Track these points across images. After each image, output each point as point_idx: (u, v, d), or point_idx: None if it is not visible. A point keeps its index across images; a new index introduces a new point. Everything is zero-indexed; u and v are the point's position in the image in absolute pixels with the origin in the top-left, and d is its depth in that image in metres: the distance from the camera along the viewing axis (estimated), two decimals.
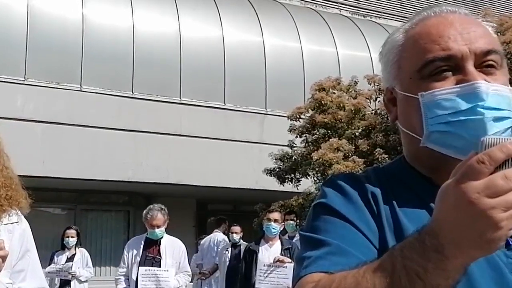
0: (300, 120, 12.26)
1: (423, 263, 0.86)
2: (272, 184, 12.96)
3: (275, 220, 7.33)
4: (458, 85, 1.10)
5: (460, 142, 1.09)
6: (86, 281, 9.90)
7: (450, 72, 1.13)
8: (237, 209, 18.82)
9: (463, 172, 0.84)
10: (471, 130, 1.08)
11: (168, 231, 7.13)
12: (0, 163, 2.27)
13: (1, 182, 2.23)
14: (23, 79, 14.20)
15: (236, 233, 9.68)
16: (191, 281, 8.30)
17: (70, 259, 9.71)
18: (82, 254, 9.93)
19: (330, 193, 1.16)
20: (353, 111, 11.54)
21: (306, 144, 12.14)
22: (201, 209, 18.42)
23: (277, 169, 12.48)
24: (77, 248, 9.92)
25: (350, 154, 10.54)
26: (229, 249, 9.58)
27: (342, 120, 11.54)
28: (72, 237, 9.76)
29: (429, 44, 1.15)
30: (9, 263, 2.14)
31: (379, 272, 0.89)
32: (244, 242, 9.70)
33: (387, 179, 1.19)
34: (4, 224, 2.22)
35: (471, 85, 1.09)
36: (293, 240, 8.06)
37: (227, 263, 9.34)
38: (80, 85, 14.73)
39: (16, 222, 2.28)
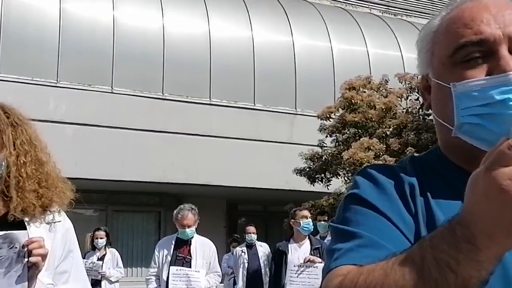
0: (330, 119, 12.19)
1: (454, 254, 0.82)
2: (302, 184, 12.91)
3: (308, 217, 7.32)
4: (490, 76, 1.07)
5: (490, 136, 1.05)
6: (117, 281, 9.95)
7: (483, 58, 1.09)
8: (267, 209, 18.82)
9: (494, 159, 0.80)
10: (501, 125, 1.04)
11: (199, 231, 7.13)
12: (32, 161, 2.23)
13: (35, 180, 2.20)
14: (56, 81, 14.40)
15: (251, 233, 9.61)
16: (221, 282, 8.28)
17: (101, 259, 9.78)
18: (112, 255, 9.99)
19: (363, 184, 1.13)
20: (384, 110, 11.45)
21: (337, 144, 12.07)
22: (231, 210, 18.46)
23: (307, 169, 12.42)
24: (107, 248, 9.99)
25: (381, 153, 10.44)
26: (245, 250, 9.53)
27: (373, 119, 11.45)
28: (101, 238, 9.83)
29: (461, 29, 1.11)
30: (51, 264, 2.10)
31: (408, 264, 0.86)
32: (259, 242, 9.65)
33: (422, 170, 1.16)
34: (46, 223, 2.18)
35: (503, 76, 1.05)
36: (325, 241, 8.00)
37: (246, 265, 9.31)
38: (111, 87, 14.88)
39: (59, 221, 2.22)
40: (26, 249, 1.96)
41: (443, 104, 1.13)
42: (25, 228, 2.10)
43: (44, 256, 1.99)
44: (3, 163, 2.12)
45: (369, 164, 7.92)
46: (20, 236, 1.99)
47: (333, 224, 1.12)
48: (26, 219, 2.13)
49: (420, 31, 1.25)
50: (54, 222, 2.21)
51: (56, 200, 2.21)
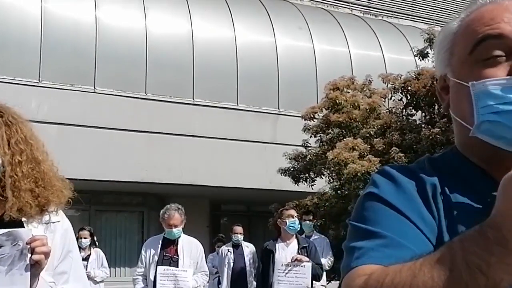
0: (314, 119, 12.22)
1: (485, 257, 0.82)
2: (285, 184, 12.92)
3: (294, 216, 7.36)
4: (510, 77, 1.05)
5: (510, 134, 1.04)
6: (101, 281, 9.90)
7: (504, 57, 1.07)
8: (251, 209, 18.83)
9: None
10: None
11: (183, 231, 7.11)
12: (27, 159, 2.21)
13: (31, 179, 2.18)
14: (38, 81, 14.28)
15: (238, 233, 9.58)
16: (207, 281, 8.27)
17: (85, 259, 9.72)
18: (97, 255, 9.94)
19: (382, 183, 1.11)
20: (368, 110, 11.50)
21: (321, 144, 12.10)
22: (214, 210, 18.43)
23: (292, 169, 12.45)
24: (92, 248, 9.93)
25: (365, 153, 10.48)
26: (231, 250, 9.52)
27: (357, 119, 11.50)
28: (85, 238, 9.77)
29: (481, 27, 1.11)
30: (50, 264, 2.07)
31: (438, 265, 0.86)
32: (245, 242, 9.65)
33: (441, 170, 1.15)
34: (45, 223, 2.16)
35: None
36: (310, 240, 8.04)
37: (231, 264, 9.31)
38: (94, 87, 14.79)
39: (58, 221, 2.20)
40: (29, 247, 1.95)
41: (463, 103, 1.11)
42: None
43: (47, 254, 1.97)
44: None
45: (353, 164, 7.94)
46: (23, 234, 1.98)
47: (352, 222, 1.10)
48: (24, 219, 2.11)
49: (437, 35, 1.25)
50: (53, 222, 2.18)
51: (53, 199, 2.18)
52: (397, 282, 0.88)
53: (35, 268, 1.95)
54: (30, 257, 1.94)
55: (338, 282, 8.63)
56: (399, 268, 0.90)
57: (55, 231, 2.18)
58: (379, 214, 1.07)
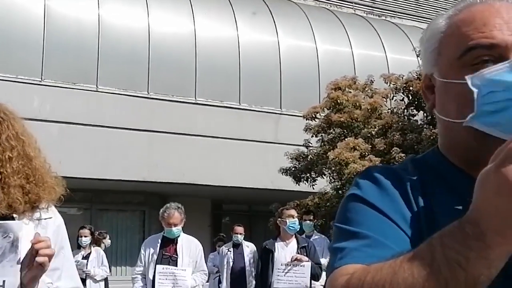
0: (315, 119, 12.23)
1: (464, 252, 0.83)
2: (287, 184, 12.93)
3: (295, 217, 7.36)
4: (507, 61, 1.03)
5: (508, 121, 1.02)
6: (101, 280, 9.90)
7: (493, 63, 1.06)
8: (252, 209, 18.83)
9: (504, 157, 0.81)
10: None
11: (184, 230, 7.11)
12: (18, 156, 2.20)
13: (22, 175, 2.17)
14: (40, 80, 14.30)
15: (238, 233, 9.57)
16: (207, 281, 8.27)
17: (86, 258, 9.74)
18: (97, 253, 9.94)
19: (364, 185, 1.12)
20: (369, 110, 11.51)
21: (322, 144, 12.11)
22: (216, 209, 18.44)
23: (293, 169, 12.46)
24: (92, 247, 9.94)
25: (366, 153, 10.49)
26: (231, 249, 9.52)
27: (358, 119, 11.51)
28: (85, 236, 9.77)
29: (472, 32, 1.09)
30: None
31: (418, 262, 0.86)
32: (246, 242, 9.65)
33: (423, 170, 1.15)
34: (36, 220, 2.15)
35: None
36: (310, 239, 8.03)
37: (231, 264, 9.31)
38: (96, 86, 14.81)
39: (50, 218, 2.18)
40: (19, 239, 1.94)
41: (451, 104, 1.11)
42: None
43: (50, 257, 1.96)
44: None
45: (354, 163, 7.95)
46: (14, 226, 1.96)
47: (336, 224, 1.12)
48: (15, 215, 2.09)
49: (424, 31, 1.23)
50: (45, 219, 2.16)
51: (44, 196, 2.16)
52: (377, 280, 0.89)
53: (38, 270, 1.93)
54: (30, 250, 1.92)
55: None
56: (380, 266, 0.91)
57: (47, 227, 2.16)
58: (362, 215, 1.08)
